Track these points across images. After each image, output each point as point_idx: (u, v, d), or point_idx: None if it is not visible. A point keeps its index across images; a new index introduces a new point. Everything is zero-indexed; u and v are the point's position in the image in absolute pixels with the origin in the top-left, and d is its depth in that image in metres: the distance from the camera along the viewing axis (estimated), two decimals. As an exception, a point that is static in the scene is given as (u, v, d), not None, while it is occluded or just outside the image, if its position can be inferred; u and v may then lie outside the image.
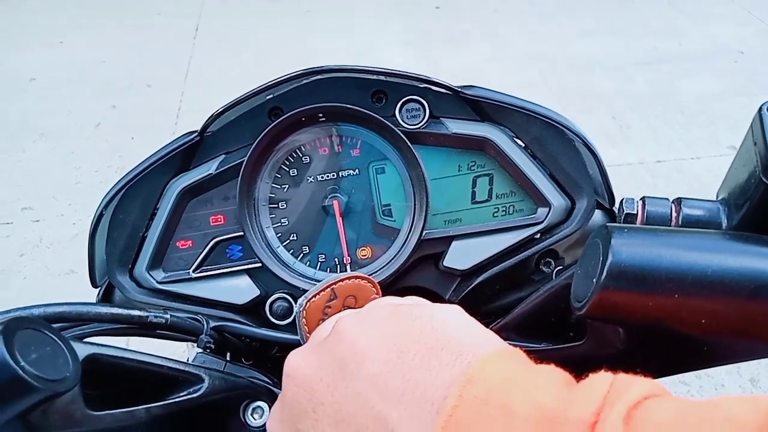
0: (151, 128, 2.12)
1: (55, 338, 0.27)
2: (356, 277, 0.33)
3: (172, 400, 0.32)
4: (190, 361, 0.36)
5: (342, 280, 0.33)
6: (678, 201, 0.29)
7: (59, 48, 2.83)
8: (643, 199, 0.29)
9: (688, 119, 3.09)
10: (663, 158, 2.77)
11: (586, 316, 0.24)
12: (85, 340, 0.31)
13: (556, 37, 3.17)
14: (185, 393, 0.33)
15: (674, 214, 0.28)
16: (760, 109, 0.25)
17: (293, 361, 0.25)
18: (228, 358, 0.41)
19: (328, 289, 0.33)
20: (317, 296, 0.32)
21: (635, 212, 0.29)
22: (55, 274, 1.82)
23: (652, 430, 0.17)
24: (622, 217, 0.30)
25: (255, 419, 0.36)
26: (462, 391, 0.19)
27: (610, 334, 0.25)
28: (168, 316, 0.35)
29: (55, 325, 0.32)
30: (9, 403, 0.25)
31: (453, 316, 0.24)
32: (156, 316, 0.34)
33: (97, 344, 0.30)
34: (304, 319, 0.32)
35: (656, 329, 0.24)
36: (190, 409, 0.33)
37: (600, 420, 0.17)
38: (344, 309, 0.32)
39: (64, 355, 0.27)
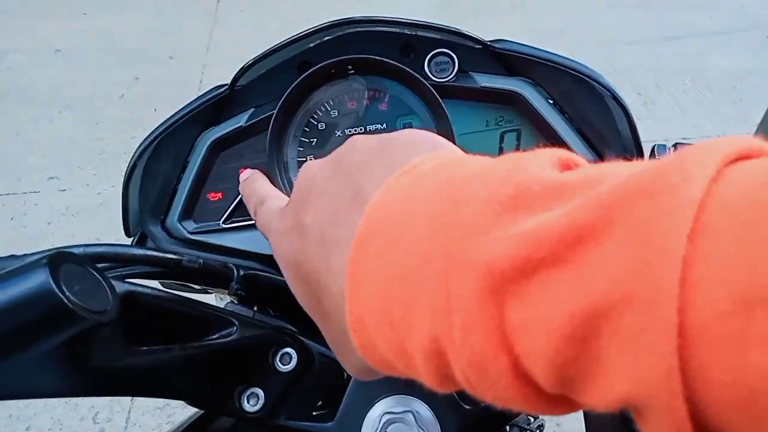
0: (173, 100, 2.13)
1: (96, 274, 0.28)
2: None
3: (206, 342, 0.33)
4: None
5: None
6: None
7: (83, 19, 2.84)
8: (675, 145, 0.29)
9: (716, 96, 3.02)
10: (689, 135, 2.71)
11: None
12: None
13: (583, 10, 3.10)
14: (218, 336, 0.34)
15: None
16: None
17: (308, 163, 0.27)
18: (255, 309, 0.43)
19: None
20: None
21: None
22: (82, 241, 1.86)
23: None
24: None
25: (283, 364, 0.37)
26: (423, 159, 0.22)
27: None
28: (201, 261, 0.36)
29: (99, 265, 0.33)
30: (54, 331, 0.26)
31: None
32: (189, 261, 0.35)
33: (135, 284, 0.32)
34: None
35: None
36: (222, 352, 0.34)
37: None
38: None
39: (104, 290, 0.28)
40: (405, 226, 0.19)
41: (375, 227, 0.20)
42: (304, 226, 0.25)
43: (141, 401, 1.48)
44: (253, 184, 0.34)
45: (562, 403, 0.16)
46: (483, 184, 0.18)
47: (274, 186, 0.40)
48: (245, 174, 0.37)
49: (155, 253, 0.34)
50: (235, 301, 0.42)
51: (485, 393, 0.17)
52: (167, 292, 0.33)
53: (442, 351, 0.17)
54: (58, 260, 0.26)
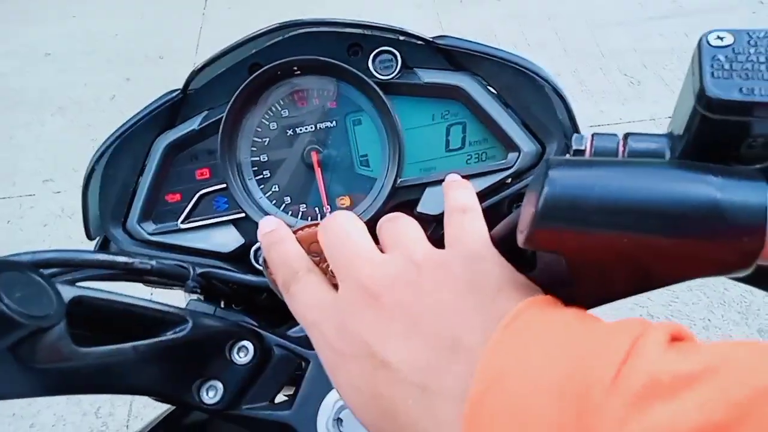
0: (164, 99, 2.15)
1: (40, 280, 0.29)
2: (317, 224, 0.35)
3: (159, 339, 0.35)
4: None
5: (302, 229, 0.34)
6: (626, 135, 0.29)
7: (72, 22, 2.85)
8: (592, 135, 0.30)
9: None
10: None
11: (529, 247, 0.25)
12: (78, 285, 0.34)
13: (570, -7, 3.07)
14: (170, 332, 0.35)
15: (621, 149, 0.29)
16: (701, 39, 0.25)
17: (367, 271, 0.26)
18: (222, 306, 0.44)
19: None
20: None
21: (583, 148, 0.30)
22: (78, 242, 1.87)
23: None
24: (571, 154, 0.30)
25: (240, 357, 0.39)
26: (522, 312, 0.23)
27: (553, 262, 0.26)
28: (153, 263, 0.37)
29: (48, 271, 0.35)
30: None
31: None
32: (141, 263, 0.36)
33: (84, 287, 0.33)
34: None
35: (595, 258, 0.25)
36: (176, 348, 0.36)
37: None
38: (309, 255, 0.33)
39: (48, 295, 0.29)
40: (529, 398, 0.20)
41: (491, 387, 0.21)
42: (388, 363, 0.24)
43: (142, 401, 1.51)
44: (282, 246, 0.31)
45: None
46: (607, 365, 0.19)
47: (229, 189, 0.41)
48: (267, 224, 0.32)
49: (106, 257, 0.35)
50: (202, 299, 0.44)
51: None
52: (117, 293, 0.34)
53: None
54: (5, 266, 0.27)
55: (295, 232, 0.34)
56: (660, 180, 0.24)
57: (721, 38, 0.25)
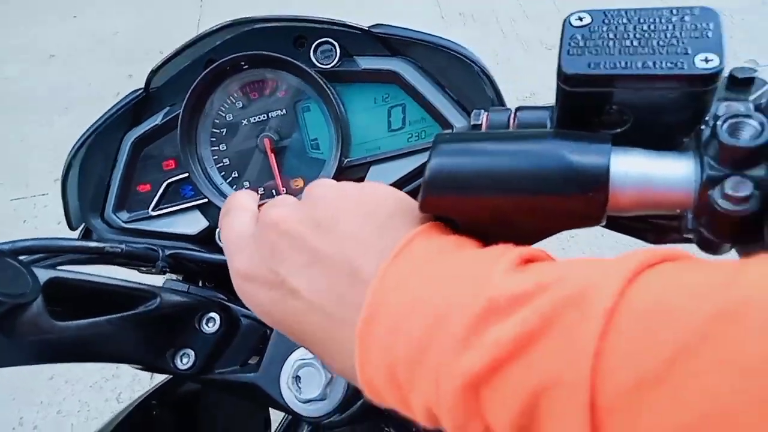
0: (166, 93, 2.20)
1: (17, 264, 0.34)
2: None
3: (129, 313, 0.39)
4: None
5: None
6: (517, 109, 0.32)
7: (73, 22, 2.90)
8: (488, 110, 0.33)
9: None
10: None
11: (423, 212, 0.29)
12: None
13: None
14: (141, 307, 0.40)
15: (512, 122, 0.32)
16: (564, 20, 0.29)
17: (277, 213, 0.29)
18: (199, 284, 0.48)
19: None
20: None
21: (480, 122, 0.33)
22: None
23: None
24: (470, 128, 0.34)
25: (208, 327, 0.43)
26: (412, 241, 0.26)
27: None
28: (123, 246, 0.41)
29: (27, 258, 0.39)
30: None
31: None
32: (112, 247, 0.41)
33: (60, 270, 0.37)
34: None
35: (479, 220, 0.29)
36: (148, 320, 0.40)
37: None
38: None
39: (24, 276, 0.34)
40: (404, 321, 0.23)
41: (377, 312, 0.24)
42: (297, 291, 0.27)
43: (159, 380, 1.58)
44: (234, 196, 0.35)
45: None
46: (463, 294, 0.22)
47: (192, 177, 0.45)
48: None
49: (79, 243, 0.40)
50: (180, 279, 0.48)
51: None
52: (89, 274, 0.38)
53: (435, 413, 0.23)
54: None
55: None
56: (524, 148, 0.27)
57: (581, 19, 0.28)
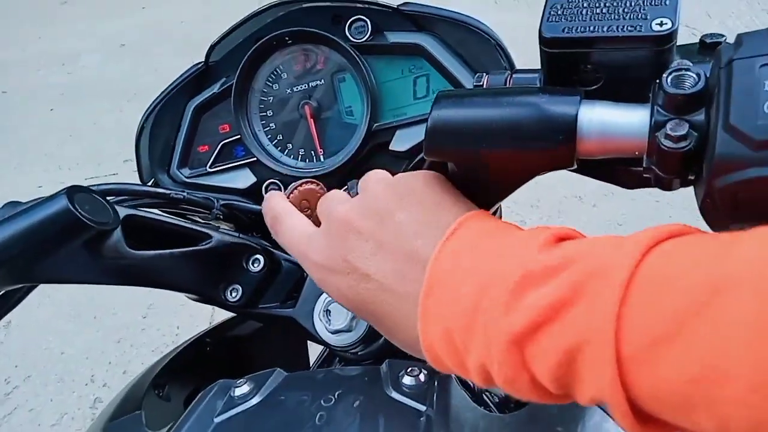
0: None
1: (102, 200, 0.42)
2: (305, 183, 0.46)
3: (188, 249, 0.47)
4: None
5: (298, 188, 0.46)
6: (512, 72, 0.37)
7: (142, 13, 3.07)
8: (488, 72, 0.38)
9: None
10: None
11: (426, 157, 0.35)
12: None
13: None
14: (199, 244, 0.47)
15: (508, 82, 0.37)
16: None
17: (343, 209, 0.34)
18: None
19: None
20: None
21: (481, 83, 0.38)
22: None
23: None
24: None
25: (254, 267, 0.50)
26: (461, 225, 0.31)
27: (451, 171, 0.36)
28: (185, 194, 0.49)
29: (110, 198, 0.47)
30: (73, 236, 0.40)
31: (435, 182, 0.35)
32: (176, 193, 0.49)
33: (135, 208, 0.45)
34: None
35: (471, 163, 0.34)
36: (204, 256, 0.47)
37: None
38: (301, 209, 0.45)
39: (108, 210, 0.42)
40: (456, 291, 0.28)
41: (435, 286, 0.29)
42: (368, 275, 0.32)
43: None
44: (268, 202, 0.41)
45: (562, 398, 0.26)
46: (505, 267, 0.27)
47: (243, 139, 0.53)
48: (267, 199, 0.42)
49: (150, 189, 0.48)
50: (231, 228, 0.55)
51: (515, 393, 0.27)
52: (159, 214, 0.46)
53: (488, 371, 0.27)
54: (73, 191, 0.40)
55: (293, 190, 0.47)
56: (508, 100, 0.33)
57: (564, -11, 0.33)
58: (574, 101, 0.31)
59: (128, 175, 2.31)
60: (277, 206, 0.40)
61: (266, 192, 0.54)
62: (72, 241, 0.40)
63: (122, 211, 0.44)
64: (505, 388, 0.27)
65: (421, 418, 0.36)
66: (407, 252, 0.31)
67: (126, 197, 0.47)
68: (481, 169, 0.35)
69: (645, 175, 0.33)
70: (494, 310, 0.26)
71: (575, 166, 0.33)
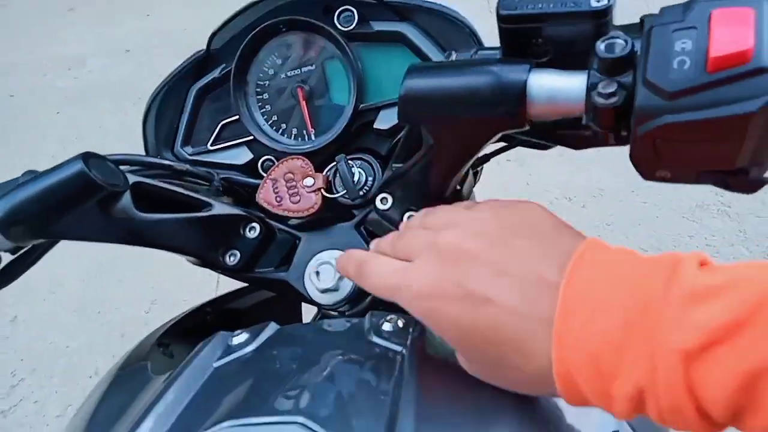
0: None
1: (113, 166, 0.47)
2: (291, 158, 0.52)
3: (191, 215, 0.51)
4: None
5: (286, 160, 0.52)
6: (478, 49, 0.42)
7: (147, 20, 3.13)
8: (458, 50, 0.43)
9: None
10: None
11: (399, 122, 0.40)
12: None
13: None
14: (200, 211, 0.52)
15: (473, 57, 0.42)
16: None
17: (451, 235, 0.35)
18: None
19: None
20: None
21: (452, 58, 0.43)
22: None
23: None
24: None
25: (251, 234, 0.55)
26: (587, 245, 0.31)
27: (425, 136, 0.41)
28: (187, 166, 0.54)
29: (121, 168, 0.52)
30: (87, 196, 0.44)
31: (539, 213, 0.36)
32: (179, 165, 0.53)
33: (144, 176, 0.50)
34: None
35: (444, 127, 0.39)
36: (205, 223, 0.52)
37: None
38: (286, 182, 0.52)
39: (119, 175, 0.46)
40: (600, 313, 0.27)
41: (570, 309, 0.28)
42: (488, 299, 0.31)
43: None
44: (347, 256, 0.42)
45: (720, 427, 0.25)
46: (659, 285, 0.26)
47: (241, 119, 0.57)
48: (340, 256, 0.44)
49: (156, 160, 0.53)
50: (232, 201, 0.60)
51: (674, 425, 0.26)
52: (167, 182, 0.51)
53: (643, 397, 0.26)
54: (87, 156, 0.45)
55: (282, 162, 0.52)
56: (468, 69, 0.38)
57: (519, -26, 0.38)
58: (524, 69, 0.36)
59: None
60: (358, 254, 0.41)
61: (262, 168, 0.58)
62: (86, 201, 0.45)
63: (131, 178, 0.49)
64: (661, 417, 0.26)
65: (397, 356, 0.41)
66: (533, 275, 0.31)
67: (135, 167, 0.52)
68: (448, 131, 0.40)
69: (586, 134, 0.38)
70: (660, 328, 0.25)
71: (527, 128, 0.38)
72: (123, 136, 2.46)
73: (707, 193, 2.18)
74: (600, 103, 0.33)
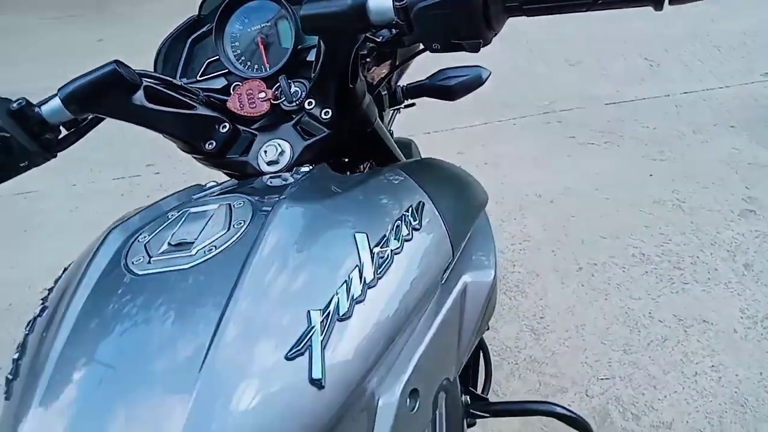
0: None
1: (132, 69, 0.74)
2: (250, 81, 0.79)
3: (182, 110, 0.79)
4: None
5: (245, 83, 0.79)
6: None
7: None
8: None
9: (724, 54, 3.19)
10: (690, 89, 2.93)
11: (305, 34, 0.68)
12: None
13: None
14: (191, 110, 0.79)
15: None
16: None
17: None
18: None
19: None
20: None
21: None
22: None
23: None
24: None
25: (222, 130, 0.82)
26: None
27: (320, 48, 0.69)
28: (182, 82, 0.82)
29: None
30: (116, 85, 0.72)
31: None
32: (176, 81, 0.81)
33: (154, 86, 0.78)
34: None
35: (330, 39, 0.67)
36: (192, 117, 0.79)
37: None
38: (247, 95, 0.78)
39: (135, 76, 0.74)
40: None
41: None
42: None
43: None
44: None
45: None
46: None
47: (221, 58, 0.86)
48: None
49: (164, 76, 0.81)
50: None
51: None
52: (169, 93, 0.79)
53: None
54: (118, 62, 0.73)
55: (245, 83, 0.79)
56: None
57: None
58: None
59: (149, 177, 2.67)
60: None
61: (233, 90, 0.86)
62: (116, 89, 0.72)
63: (145, 82, 0.77)
64: None
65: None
66: None
67: (150, 79, 0.80)
68: (330, 38, 0.67)
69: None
70: None
71: (372, 31, 0.65)
72: (141, 143, 2.77)
73: (662, 190, 2.42)
74: (397, 5, 0.60)
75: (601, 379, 1.80)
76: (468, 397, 0.94)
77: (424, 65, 1.08)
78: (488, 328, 1.59)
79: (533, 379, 1.80)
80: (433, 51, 0.62)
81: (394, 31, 0.69)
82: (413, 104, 1.26)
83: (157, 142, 0.86)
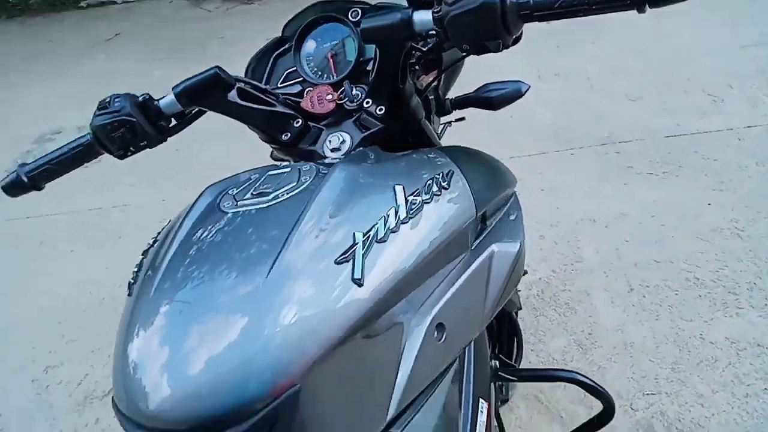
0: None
1: (228, 73, 0.94)
2: (320, 86, 0.98)
3: (266, 107, 0.98)
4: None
5: (316, 88, 0.98)
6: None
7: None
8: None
9: (790, 88, 3.17)
10: (754, 124, 2.95)
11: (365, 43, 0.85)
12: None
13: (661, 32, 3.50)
14: (271, 107, 0.98)
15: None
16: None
17: None
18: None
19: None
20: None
21: None
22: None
23: None
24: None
25: (296, 124, 1.00)
26: None
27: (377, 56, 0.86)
28: (267, 88, 1.01)
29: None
30: (216, 84, 0.92)
31: None
32: (262, 86, 1.01)
33: (244, 86, 0.98)
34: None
35: (387, 46, 0.84)
36: (273, 113, 0.98)
37: None
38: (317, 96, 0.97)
39: (231, 78, 0.94)
40: None
41: None
42: None
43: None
44: None
45: None
46: None
47: (298, 69, 1.06)
48: None
49: (256, 83, 1.01)
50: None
51: None
52: (256, 96, 0.98)
53: None
54: (219, 68, 0.93)
55: (316, 88, 0.98)
56: (385, 13, 0.83)
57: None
58: (409, 11, 0.81)
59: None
60: None
61: (306, 93, 1.05)
62: (216, 87, 0.92)
63: (238, 85, 0.97)
64: None
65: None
66: None
67: (240, 82, 1.00)
68: (383, 46, 0.85)
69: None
70: None
71: (418, 39, 0.82)
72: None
73: (720, 218, 2.43)
74: (435, 16, 0.77)
75: (647, 394, 1.83)
76: (497, 362, 1.05)
77: (469, 82, 1.25)
78: (521, 308, 1.69)
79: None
80: (463, 51, 0.78)
81: (434, 40, 0.86)
82: (463, 118, 1.42)
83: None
